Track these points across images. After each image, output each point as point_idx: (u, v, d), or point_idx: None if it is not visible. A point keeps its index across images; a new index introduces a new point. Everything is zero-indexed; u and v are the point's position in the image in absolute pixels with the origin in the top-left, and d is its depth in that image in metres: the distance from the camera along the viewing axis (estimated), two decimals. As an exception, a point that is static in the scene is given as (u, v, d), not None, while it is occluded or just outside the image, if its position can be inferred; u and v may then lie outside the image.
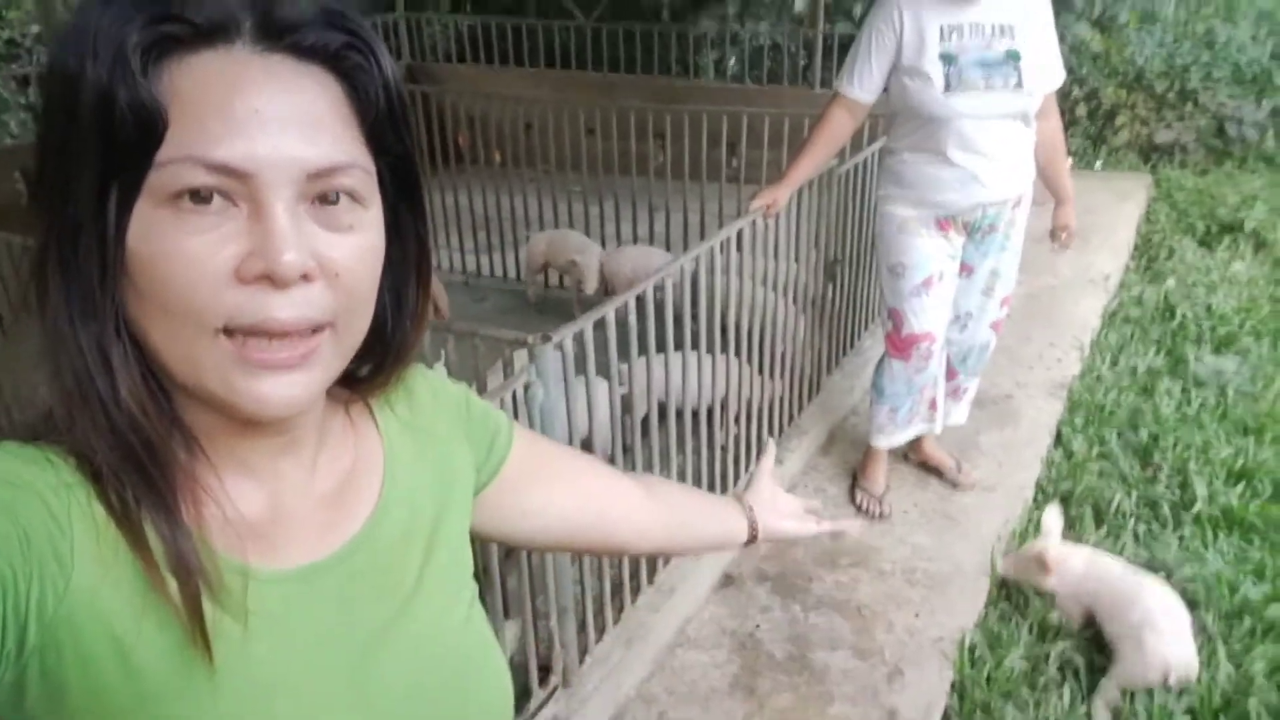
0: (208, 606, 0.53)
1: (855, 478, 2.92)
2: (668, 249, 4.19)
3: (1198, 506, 2.81)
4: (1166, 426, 3.24)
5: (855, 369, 3.42)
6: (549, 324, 1.92)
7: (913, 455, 2.98)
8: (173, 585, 0.53)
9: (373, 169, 0.56)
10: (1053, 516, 2.38)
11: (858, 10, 7.04)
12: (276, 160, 0.50)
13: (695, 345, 2.44)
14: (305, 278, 0.52)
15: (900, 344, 2.66)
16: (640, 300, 2.07)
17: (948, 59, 2.32)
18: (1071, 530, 2.77)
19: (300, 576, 0.60)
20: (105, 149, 0.49)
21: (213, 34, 0.50)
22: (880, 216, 2.62)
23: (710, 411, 2.49)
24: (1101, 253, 4.70)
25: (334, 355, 0.56)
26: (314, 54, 0.53)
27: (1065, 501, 2.92)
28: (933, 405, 2.80)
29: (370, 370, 0.65)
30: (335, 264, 0.53)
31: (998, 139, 2.39)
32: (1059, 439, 3.24)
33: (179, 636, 0.53)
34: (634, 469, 2.27)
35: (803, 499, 1.10)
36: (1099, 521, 2.81)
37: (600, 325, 1.96)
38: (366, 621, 0.63)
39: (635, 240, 4.42)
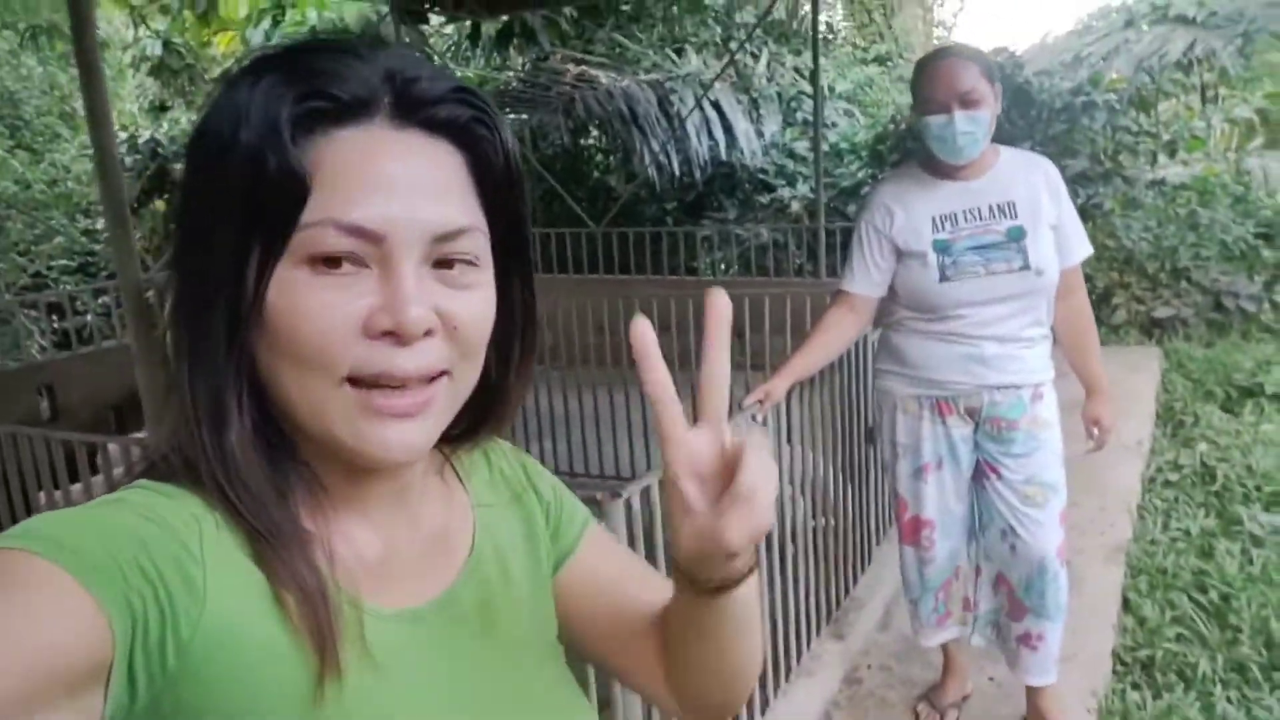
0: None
1: None
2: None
3: (1292, 668, 2.63)
4: (1236, 586, 3.10)
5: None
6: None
7: (1033, 718, 2.44)
8: (299, 616, 0.54)
9: (488, 232, 0.60)
10: None
11: (851, 208, 7.42)
12: (406, 223, 0.54)
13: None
14: (427, 333, 0.55)
15: (905, 527, 2.42)
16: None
17: (941, 247, 2.17)
18: (1159, 700, 2.58)
19: (409, 618, 0.62)
20: (252, 211, 0.53)
21: (355, 109, 0.54)
22: (878, 392, 2.43)
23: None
24: (1127, 420, 4.68)
25: (448, 403, 0.59)
26: (444, 127, 0.57)
27: (1147, 669, 2.75)
28: (966, 605, 2.45)
29: (469, 426, 0.67)
30: (454, 318, 0.57)
31: (1004, 323, 2.19)
32: (1126, 605, 3.09)
33: (297, 669, 0.54)
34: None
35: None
36: (1187, 688, 2.63)
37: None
38: (471, 670, 0.64)
39: (645, 430, 4.43)
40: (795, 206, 7.71)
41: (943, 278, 2.17)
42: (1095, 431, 2.39)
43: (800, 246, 7.16)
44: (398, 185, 0.54)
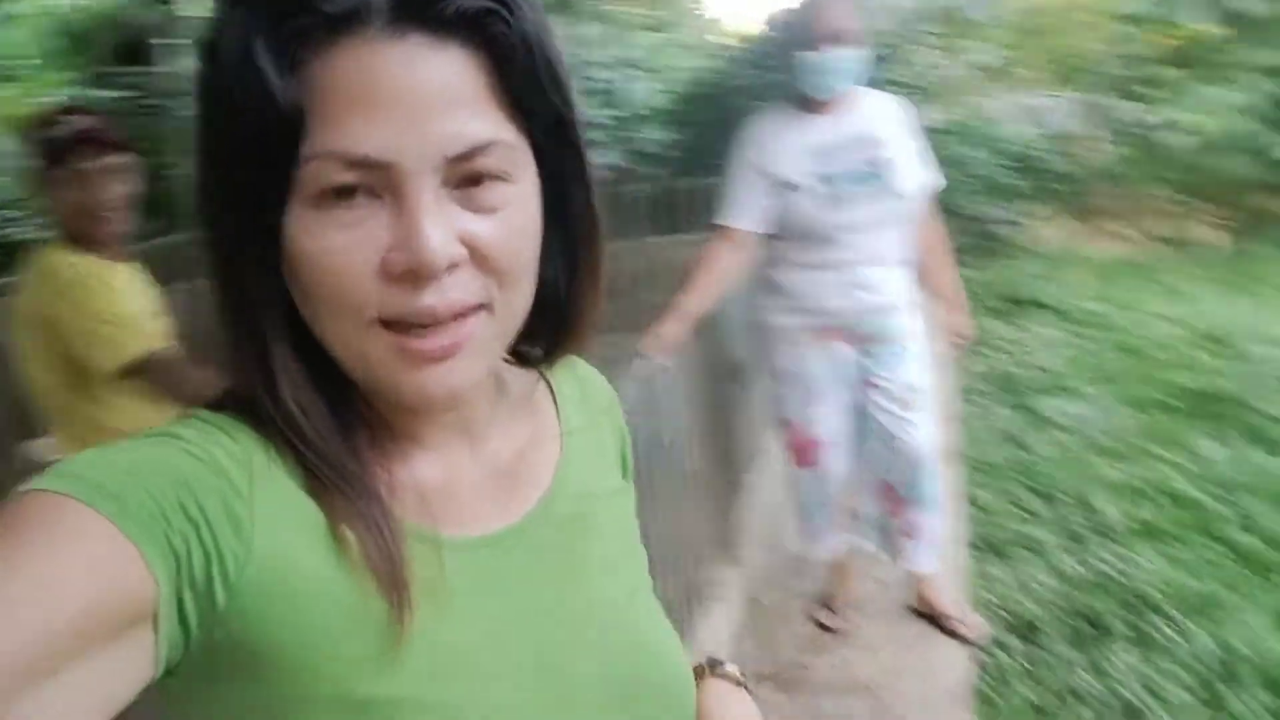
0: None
1: None
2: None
3: (1116, 527, 3.04)
4: (1052, 468, 3.52)
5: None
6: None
7: (919, 605, 2.67)
8: (361, 553, 0.52)
9: (521, 139, 0.53)
10: None
11: (658, 172, 7.60)
12: (415, 147, 0.48)
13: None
14: (452, 266, 0.50)
15: (798, 452, 2.56)
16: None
17: (821, 177, 2.29)
18: (1016, 572, 2.90)
19: (483, 545, 0.59)
20: (251, 150, 0.48)
21: (346, 19, 0.48)
22: (760, 328, 2.54)
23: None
24: (932, 340, 5.15)
25: (492, 337, 0.55)
26: (452, 25, 0.49)
27: (998, 550, 3.08)
28: (854, 514, 2.64)
29: (547, 344, 0.63)
30: (484, 246, 0.51)
31: (879, 245, 2.35)
32: (968, 497, 3.43)
33: (357, 604, 0.51)
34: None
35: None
36: (1036, 558, 2.97)
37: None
38: (550, 600, 0.60)
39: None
40: (600, 174, 7.79)
41: (824, 205, 2.29)
42: (957, 340, 2.64)
43: (614, 212, 7.25)
44: (401, 103, 0.48)
